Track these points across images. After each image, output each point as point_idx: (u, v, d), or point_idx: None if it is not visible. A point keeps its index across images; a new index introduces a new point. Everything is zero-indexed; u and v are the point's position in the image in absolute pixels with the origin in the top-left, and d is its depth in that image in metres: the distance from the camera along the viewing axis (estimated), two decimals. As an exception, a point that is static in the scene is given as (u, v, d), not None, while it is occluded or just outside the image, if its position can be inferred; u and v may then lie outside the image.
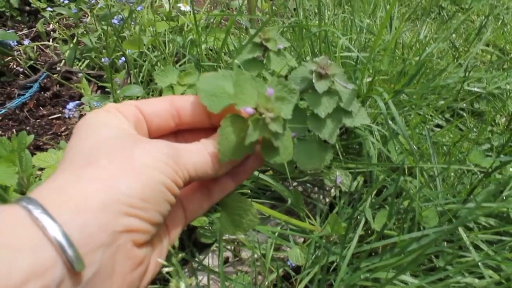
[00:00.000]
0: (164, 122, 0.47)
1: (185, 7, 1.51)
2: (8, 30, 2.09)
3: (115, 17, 1.62)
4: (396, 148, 1.04)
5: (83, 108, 1.28)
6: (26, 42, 1.90)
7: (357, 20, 1.51)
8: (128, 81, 1.46)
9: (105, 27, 1.67)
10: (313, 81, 0.79)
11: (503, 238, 0.88)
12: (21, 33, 2.16)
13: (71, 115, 1.19)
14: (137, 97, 1.34)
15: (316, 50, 1.13)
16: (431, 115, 1.22)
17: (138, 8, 1.59)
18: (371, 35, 1.53)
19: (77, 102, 1.20)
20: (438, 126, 1.29)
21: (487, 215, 0.93)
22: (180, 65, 1.31)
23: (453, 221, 0.88)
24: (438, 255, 0.87)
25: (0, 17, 2.25)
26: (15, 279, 0.30)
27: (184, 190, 0.49)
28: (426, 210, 0.86)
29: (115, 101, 1.17)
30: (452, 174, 1.02)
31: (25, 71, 1.83)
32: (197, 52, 1.25)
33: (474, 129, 1.30)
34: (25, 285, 0.30)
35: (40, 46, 2.02)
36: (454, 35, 1.87)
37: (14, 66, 1.91)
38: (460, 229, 0.85)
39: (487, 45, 1.88)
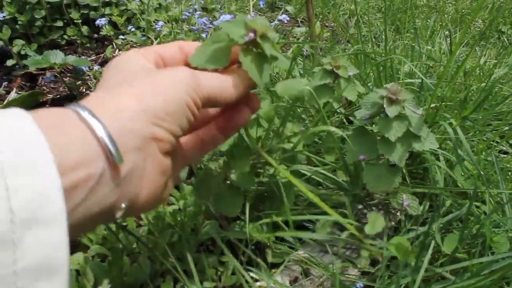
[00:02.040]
0: (177, 63, 0.56)
1: (248, 35, 1.57)
2: (79, 56, 2.24)
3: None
4: (462, 174, 1.05)
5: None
6: (96, 67, 2.04)
7: (417, 46, 1.53)
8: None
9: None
10: (384, 106, 0.83)
11: None
12: (90, 58, 2.31)
13: None
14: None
15: (381, 77, 1.16)
16: (497, 142, 1.22)
17: (203, 35, 1.68)
18: (432, 61, 1.55)
19: None
20: (503, 152, 1.29)
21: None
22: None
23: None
24: (510, 282, 0.87)
25: (72, 44, 2.42)
26: (69, 162, 0.36)
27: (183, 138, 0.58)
28: (496, 236, 0.87)
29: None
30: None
31: (94, 94, 1.95)
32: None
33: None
34: (75, 170, 0.36)
35: (107, 71, 2.14)
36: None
37: (84, 90, 2.04)
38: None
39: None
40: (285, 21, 1.55)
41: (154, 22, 1.98)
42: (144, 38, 1.85)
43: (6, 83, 2.21)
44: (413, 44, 1.43)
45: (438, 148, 0.99)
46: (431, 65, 1.53)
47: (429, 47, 1.82)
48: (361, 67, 1.34)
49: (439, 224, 0.93)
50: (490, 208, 0.93)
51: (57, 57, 1.88)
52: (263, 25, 0.55)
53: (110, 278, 0.86)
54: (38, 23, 2.33)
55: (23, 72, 2.24)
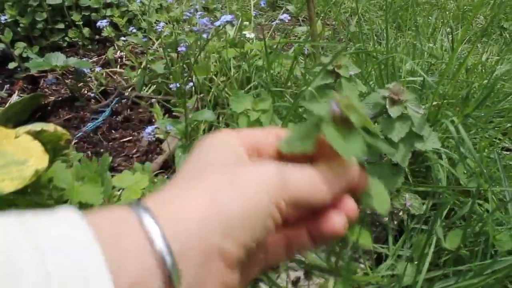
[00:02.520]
0: (272, 153, 0.48)
1: (250, 34, 1.58)
2: (81, 58, 2.24)
3: (181, 45, 1.72)
4: (465, 172, 1.05)
5: (156, 132, 1.37)
6: (97, 69, 2.04)
7: (419, 44, 1.53)
8: (196, 106, 1.54)
9: (172, 54, 1.77)
10: (387, 106, 0.83)
11: None
12: (91, 60, 2.31)
13: (148, 139, 1.28)
14: (206, 122, 1.42)
15: (383, 76, 1.16)
16: (499, 139, 1.22)
17: (204, 36, 1.68)
18: (435, 58, 1.55)
19: (154, 126, 1.28)
20: (506, 149, 1.29)
21: None
22: (246, 90, 1.38)
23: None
24: (513, 280, 0.87)
25: (73, 46, 2.43)
26: (124, 282, 0.31)
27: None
28: (499, 234, 0.87)
29: (187, 125, 1.24)
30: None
31: (96, 96, 1.96)
32: (265, 78, 1.31)
33: (545, 153, 1.29)
34: None
35: (109, 73, 2.15)
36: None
37: (86, 92, 2.04)
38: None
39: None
40: (286, 20, 1.55)
41: (155, 23, 1.98)
42: (145, 39, 1.85)
43: (8, 85, 2.22)
44: (415, 42, 1.43)
45: (440, 147, 0.99)
46: (433, 62, 1.53)
47: (430, 45, 1.82)
48: (362, 66, 1.34)
49: (441, 222, 0.93)
50: (493, 206, 0.94)
51: (58, 59, 1.88)
52: (349, 97, 0.45)
53: None
54: (40, 25, 2.34)
55: (24, 75, 2.24)
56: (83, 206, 1.01)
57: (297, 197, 0.42)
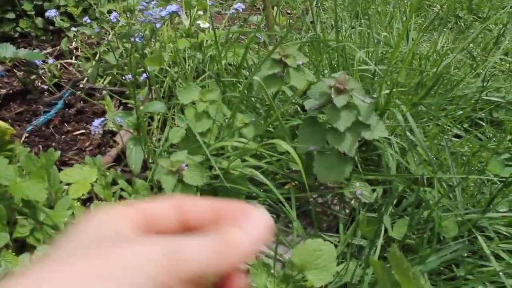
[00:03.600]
0: (170, 225, 0.41)
1: (204, 24, 1.55)
2: (34, 49, 2.16)
3: (136, 35, 1.67)
4: (415, 160, 1.06)
5: (106, 124, 1.33)
6: (50, 60, 1.97)
7: (374, 32, 1.53)
8: (150, 97, 1.51)
9: (126, 45, 1.72)
10: (332, 96, 0.82)
11: (524, 247, 0.89)
12: (45, 51, 2.23)
13: (96, 132, 1.24)
14: (160, 113, 1.39)
15: (334, 64, 1.16)
16: (449, 126, 1.24)
17: (158, 26, 1.64)
18: (389, 47, 1.55)
19: (102, 119, 1.25)
20: (457, 136, 1.31)
21: (508, 225, 0.94)
22: (200, 81, 1.35)
23: (473, 231, 0.89)
24: (459, 264, 0.89)
25: (25, 37, 2.34)
26: None
27: None
28: (445, 220, 0.88)
29: (138, 118, 1.21)
30: (472, 184, 1.03)
31: (50, 88, 1.89)
32: (217, 68, 1.29)
33: (494, 139, 1.31)
34: None
35: (64, 64, 2.08)
36: (471, 45, 1.88)
37: (39, 84, 1.97)
38: (480, 239, 0.86)
39: (506, 54, 1.89)
40: (241, 10, 1.52)
41: (108, 13, 1.92)
42: (98, 30, 1.80)
43: (-45, 78, 2.13)
44: (369, 31, 1.43)
45: (391, 135, 0.99)
46: (386, 51, 1.53)
47: (385, 34, 1.83)
48: (316, 55, 1.33)
49: (391, 210, 0.94)
50: (440, 193, 0.95)
51: (7, 50, 1.81)
52: None
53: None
54: (-11, 15, 2.25)
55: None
56: (27, 203, 0.97)
57: (197, 271, 0.36)
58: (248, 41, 1.07)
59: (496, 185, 1.03)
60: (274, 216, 0.99)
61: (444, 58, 1.41)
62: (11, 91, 1.96)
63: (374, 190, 1.00)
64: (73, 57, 2.16)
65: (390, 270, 0.65)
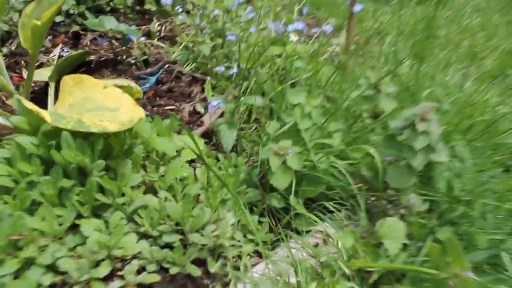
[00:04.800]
0: None
1: (294, 37, 1.85)
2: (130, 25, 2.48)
3: (228, 33, 1.98)
4: (460, 185, 1.34)
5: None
6: (142, 38, 2.28)
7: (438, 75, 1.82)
8: (235, 90, 1.80)
9: (218, 40, 2.02)
10: (415, 122, 1.11)
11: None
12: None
13: (213, 111, 1.53)
14: (249, 105, 1.68)
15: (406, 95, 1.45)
16: (493, 165, 1.52)
17: (251, 30, 1.94)
18: (446, 90, 1.84)
19: (218, 101, 1.53)
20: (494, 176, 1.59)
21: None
22: (291, 86, 1.64)
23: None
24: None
25: (115, 12, 2.66)
26: None
27: None
28: (477, 234, 1.16)
29: (236, 106, 1.50)
30: (503, 213, 1.31)
31: (137, 63, 2.20)
32: (306, 78, 1.58)
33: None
34: None
35: (148, 44, 2.39)
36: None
37: (125, 58, 2.28)
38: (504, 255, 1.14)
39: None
40: (328, 32, 1.82)
41: (203, 7, 2.22)
42: (198, 21, 2.10)
43: (51, 37, 2.45)
44: (434, 74, 1.72)
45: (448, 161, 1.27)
46: (446, 94, 1.82)
47: (445, 78, 2.11)
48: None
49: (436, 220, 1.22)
50: (478, 213, 1.23)
51: (110, 23, 2.12)
52: None
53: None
54: (89, -14, 2.56)
55: (66, 30, 2.48)
56: (158, 154, 1.27)
57: None
58: (341, 60, 1.36)
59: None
60: (344, 206, 1.28)
61: (496, 109, 1.69)
62: (102, 58, 2.27)
63: (425, 201, 1.29)
64: (156, 39, 2.47)
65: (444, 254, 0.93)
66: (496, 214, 1.29)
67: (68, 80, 1.37)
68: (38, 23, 1.33)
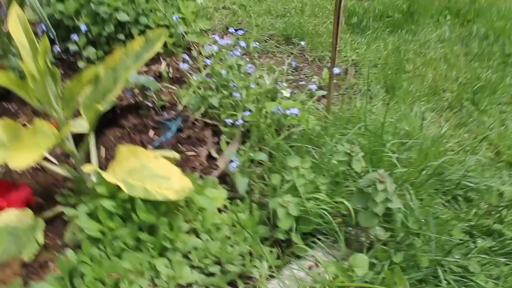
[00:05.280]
0: None
1: (286, 93, 2.41)
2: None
3: (233, 84, 2.53)
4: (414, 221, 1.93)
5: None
6: (160, 86, 2.81)
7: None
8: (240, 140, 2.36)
9: (224, 91, 2.57)
10: (376, 183, 1.69)
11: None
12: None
13: (232, 169, 2.09)
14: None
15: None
16: (440, 199, 2.11)
17: (252, 86, 2.49)
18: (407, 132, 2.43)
19: (234, 160, 2.08)
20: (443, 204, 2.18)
21: (457, 266, 1.81)
22: (285, 138, 2.21)
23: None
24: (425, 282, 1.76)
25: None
26: None
27: None
28: (423, 257, 1.75)
29: (245, 161, 2.07)
30: (443, 238, 1.90)
31: (155, 107, 2.74)
32: (300, 134, 2.15)
33: (463, 211, 2.19)
34: None
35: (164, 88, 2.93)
36: (466, 135, 2.77)
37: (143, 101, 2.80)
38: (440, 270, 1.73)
39: (490, 144, 2.76)
40: (313, 90, 2.38)
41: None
42: (208, 79, 2.64)
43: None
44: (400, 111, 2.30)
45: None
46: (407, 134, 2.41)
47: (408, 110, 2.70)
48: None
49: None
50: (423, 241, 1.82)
51: (132, 77, 2.66)
52: None
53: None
54: (105, 34, 3.09)
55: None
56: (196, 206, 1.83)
57: None
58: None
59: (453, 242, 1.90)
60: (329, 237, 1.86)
61: (444, 153, 2.28)
62: (124, 104, 2.80)
63: (386, 231, 1.87)
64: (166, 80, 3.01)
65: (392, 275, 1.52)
66: (436, 240, 1.88)
67: (123, 149, 1.91)
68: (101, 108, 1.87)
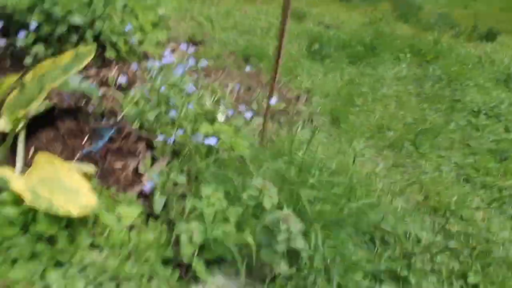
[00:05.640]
0: None
1: (221, 118, 2.48)
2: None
3: (172, 102, 2.58)
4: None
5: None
6: (100, 92, 2.85)
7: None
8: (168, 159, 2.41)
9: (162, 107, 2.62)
10: (280, 222, 1.75)
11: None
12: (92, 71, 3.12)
13: (148, 188, 2.13)
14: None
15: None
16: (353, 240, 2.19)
17: (189, 107, 2.55)
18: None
19: (151, 183, 2.13)
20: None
21: None
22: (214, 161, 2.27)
23: None
24: None
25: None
26: None
27: None
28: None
29: (165, 182, 2.12)
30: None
31: (95, 114, 2.78)
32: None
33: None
34: None
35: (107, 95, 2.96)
36: (399, 176, 2.87)
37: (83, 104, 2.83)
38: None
39: (421, 188, 2.87)
40: (248, 118, 2.47)
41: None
42: (147, 93, 2.69)
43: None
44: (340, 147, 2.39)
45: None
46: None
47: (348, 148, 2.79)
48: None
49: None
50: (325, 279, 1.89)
51: (74, 82, 2.69)
52: None
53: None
54: (57, 34, 3.13)
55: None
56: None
57: None
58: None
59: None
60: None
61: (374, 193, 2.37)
62: (63, 107, 2.83)
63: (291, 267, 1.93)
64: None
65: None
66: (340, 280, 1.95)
67: (41, 157, 1.95)
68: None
